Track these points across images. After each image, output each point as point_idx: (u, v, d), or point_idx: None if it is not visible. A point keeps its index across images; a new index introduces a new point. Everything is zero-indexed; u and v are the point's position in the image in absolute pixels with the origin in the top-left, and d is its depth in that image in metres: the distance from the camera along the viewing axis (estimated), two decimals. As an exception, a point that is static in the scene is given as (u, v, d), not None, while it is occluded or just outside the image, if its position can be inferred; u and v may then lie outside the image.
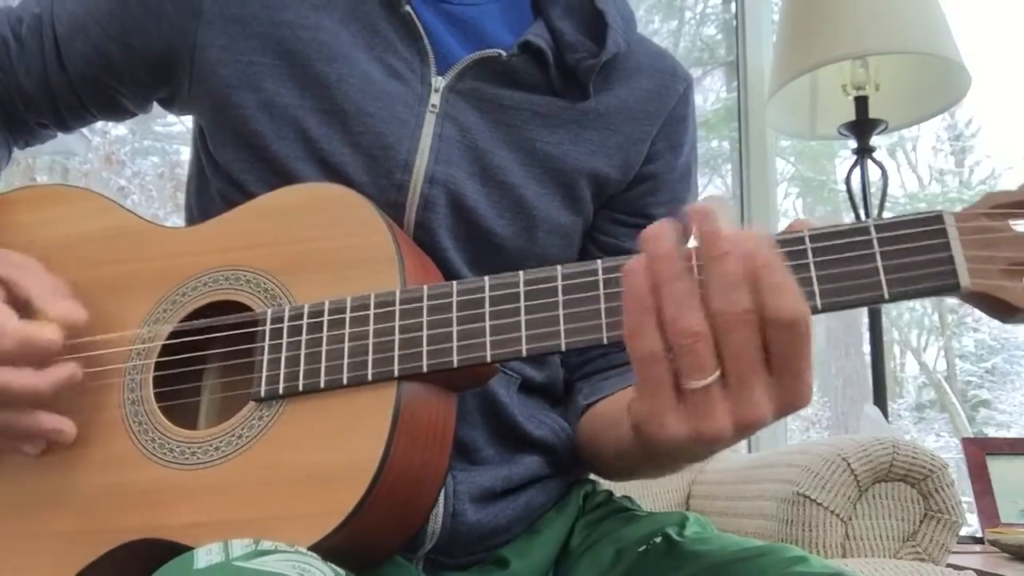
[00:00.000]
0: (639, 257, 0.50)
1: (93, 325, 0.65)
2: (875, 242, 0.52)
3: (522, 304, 0.56)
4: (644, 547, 0.69)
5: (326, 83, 0.70)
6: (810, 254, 0.52)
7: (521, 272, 0.57)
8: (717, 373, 0.49)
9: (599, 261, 0.56)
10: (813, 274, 0.52)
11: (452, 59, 0.73)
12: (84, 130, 1.03)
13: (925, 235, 0.51)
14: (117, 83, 0.77)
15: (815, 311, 0.51)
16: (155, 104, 0.81)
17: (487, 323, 0.57)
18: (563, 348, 0.55)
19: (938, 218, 0.51)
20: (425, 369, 0.57)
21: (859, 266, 0.52)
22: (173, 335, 0.64)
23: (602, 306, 0.55)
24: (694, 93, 0.84)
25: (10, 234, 0.71)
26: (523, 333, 0.56)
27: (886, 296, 0.51)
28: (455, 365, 0.57)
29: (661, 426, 0.50)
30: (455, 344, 0.57)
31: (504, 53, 0.73)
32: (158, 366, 0.63)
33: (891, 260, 0.51)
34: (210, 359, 0.69)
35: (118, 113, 0.81)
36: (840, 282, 0.52)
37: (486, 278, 0.58)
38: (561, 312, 0.55)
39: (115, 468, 0.61)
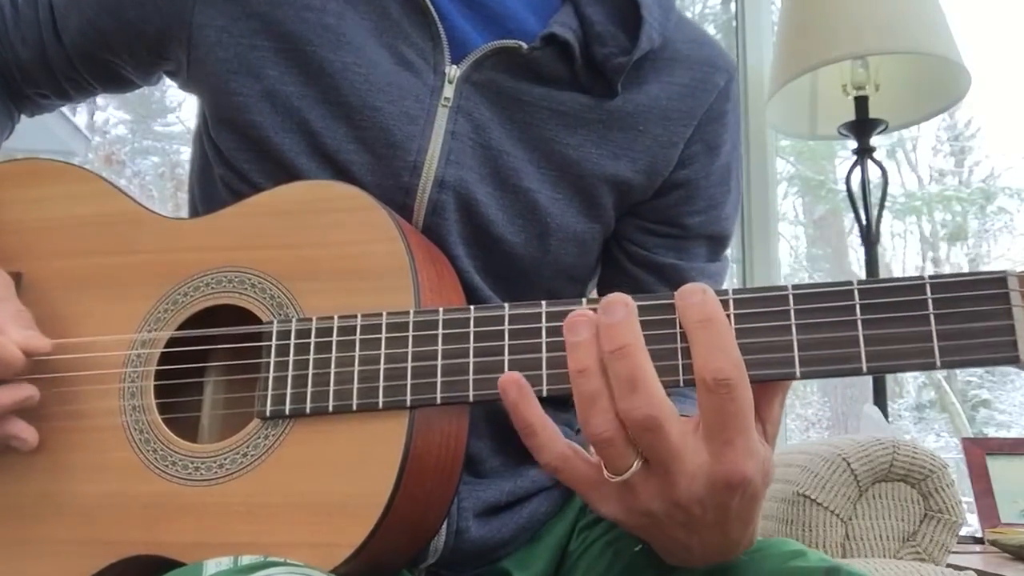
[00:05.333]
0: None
1: (87, 320, 0.63)
2: (930, 303, 0.48)
3: (544, 339, 0.52)
4: (641, 546, 0.68)
5: (330, 72, 0.66)
6: (858, 310, 0.48)
7: (544, 302, 0.53)
8: (636, 465, 0.48)
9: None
10: (860, 333, 0.48)
11: (469, 46, 0.68)
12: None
13: (985, 299, 0.47)
14: (114, 57, 0.74)
15: (859, 373, 0.48)
16: (164, 76, 0.78)
17: (506, 356, 0.53)
18: None
19: (1001, 281, 0.47)
20: (439, 402, 0.54)
21: (911, 328, 0.47)
22: (174, 340, 0.61)
23: None
24: (736, 85, 0.76)
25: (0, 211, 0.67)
26: (544, 372, 0.52)
27: (937, 364, 0.47)
28: (471, 400, 0.53)
29: (594, 505, 0.50)
30: (471, 377, 0.53)
31: (526, 46, 0.67)
32: (159, 373, 0.61)
33: (946, 324, 0.47)
34: (213, 364, 0.67)
35: (122, 84, 0.78)
36: (889, 344, 0.47)
37: (506, 305, 0.54)
38: None
39: (116, 477, 0.59)
